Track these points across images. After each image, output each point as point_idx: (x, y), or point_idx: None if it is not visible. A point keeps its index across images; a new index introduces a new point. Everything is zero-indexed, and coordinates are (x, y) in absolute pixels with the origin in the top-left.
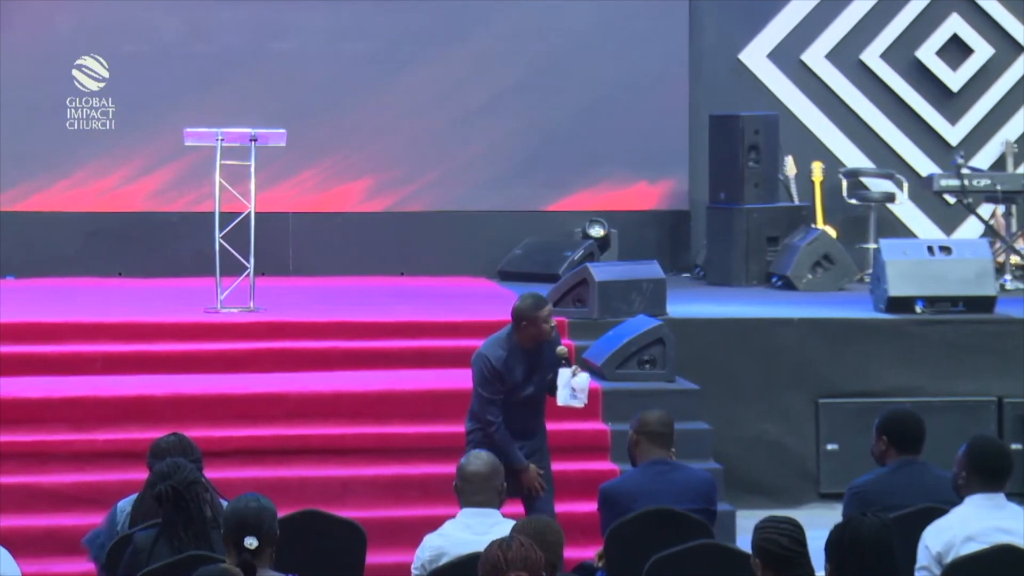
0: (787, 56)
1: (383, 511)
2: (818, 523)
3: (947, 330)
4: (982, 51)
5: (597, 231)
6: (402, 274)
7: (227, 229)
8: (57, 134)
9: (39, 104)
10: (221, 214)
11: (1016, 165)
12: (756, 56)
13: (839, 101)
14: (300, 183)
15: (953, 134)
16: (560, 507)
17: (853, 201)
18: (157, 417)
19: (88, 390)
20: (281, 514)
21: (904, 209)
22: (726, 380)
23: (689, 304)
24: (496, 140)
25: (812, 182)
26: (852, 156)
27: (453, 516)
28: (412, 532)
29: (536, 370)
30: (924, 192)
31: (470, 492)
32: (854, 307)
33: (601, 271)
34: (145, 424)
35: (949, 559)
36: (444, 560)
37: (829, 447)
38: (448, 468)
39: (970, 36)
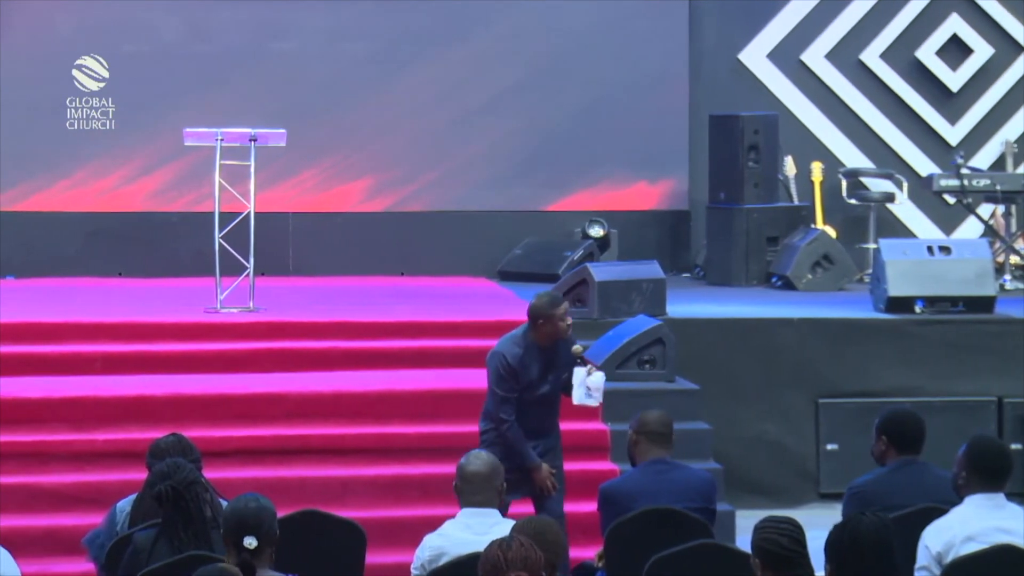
0: (787, 56)
1: (383, 511)
2: (818, 523)
3: (947, 330)
4: (982, 51)
5: (597, 231)
6: (402, 274)
7: (227, 229)
8: (57, 134)
9: (39, 104)
10: (221, 214)
11: (1016, 165)
12: (756, 56)
13: (839, 101)
14: (300, 183)
15: (953, 134)
16: None
17: (853, 201)
18: (157, 417)
19: (88, 390)
20: (281, 514)
21: (904, 209)
22: (726, 380)
23: (689, 304)
24: (496, 140)
25: (812, 182)
26: (852, 156)
27: (453, 516)
28: (412, 532)
29: (552, 368)
30: (924, 192)
31: (470, 492)
32: (854, 307)
33: (601, 271)
34: (145, 424)
35: (949, 559)
36: (444, 560)
37: (829, 447)
38: (448, 468)
39: (970, 36)
